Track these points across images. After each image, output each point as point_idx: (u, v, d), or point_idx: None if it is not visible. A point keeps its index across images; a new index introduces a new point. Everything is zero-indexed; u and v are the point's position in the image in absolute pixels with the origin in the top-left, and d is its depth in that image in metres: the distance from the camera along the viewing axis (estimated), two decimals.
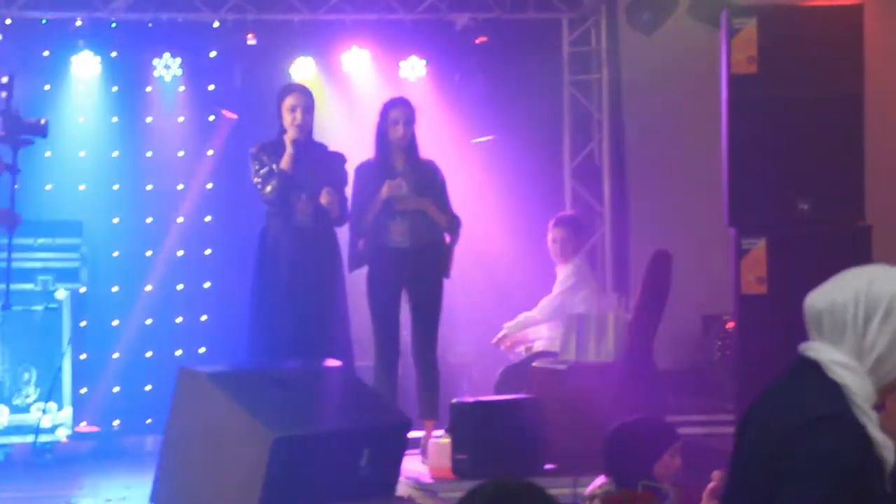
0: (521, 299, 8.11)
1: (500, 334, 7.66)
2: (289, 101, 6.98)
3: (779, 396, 2.96)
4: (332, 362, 6.37)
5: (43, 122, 6.60)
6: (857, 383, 2.85)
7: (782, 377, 2.99)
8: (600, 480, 4.99)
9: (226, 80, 9.03)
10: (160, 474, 5.79)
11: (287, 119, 6.98)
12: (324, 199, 6.91)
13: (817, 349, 2.93)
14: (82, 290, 8.43)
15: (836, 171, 6.43)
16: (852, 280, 2.94)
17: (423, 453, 7.10)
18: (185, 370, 5.82)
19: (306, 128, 7.01)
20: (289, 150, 6.90)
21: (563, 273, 7.58)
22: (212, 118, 9.30)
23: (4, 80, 6.43)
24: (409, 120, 7.24)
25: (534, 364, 7.14)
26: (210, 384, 5.66)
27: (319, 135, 7.99)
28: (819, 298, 2.96)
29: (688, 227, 8.70)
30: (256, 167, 7.01)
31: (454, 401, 6.79)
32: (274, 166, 6.95)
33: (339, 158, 7.20)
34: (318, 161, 7.03)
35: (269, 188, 6.90)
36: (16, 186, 6.59)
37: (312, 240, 6.95)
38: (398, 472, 6.21)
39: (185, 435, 5.75)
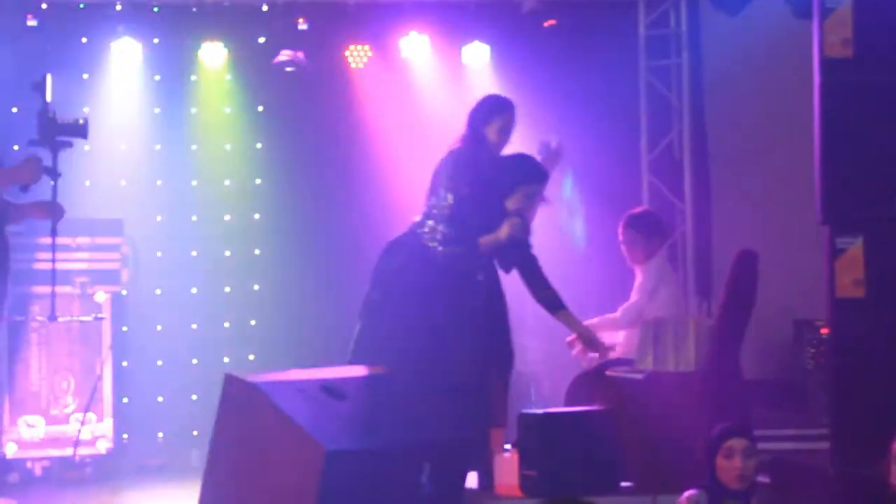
0: (595, 303, 8.06)
1: (574, 335, 7.59)
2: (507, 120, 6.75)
3: None
4: (385, 369, 6.36)
5: (82, 122, 6.66)
6: None
7: None
8: (690, 493, 5.10)
9: (277, 67, 9.04)
10: (205, 490, 5.82)
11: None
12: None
13: None
14: (123, 293, 8.50)
15: None
16: None
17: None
18: (231, 378, 5.84)
19: None
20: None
21: (641, 275, 7.53)
22: (261, 108, 9.35)
23: (46, 79, 6.54)
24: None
25: (608, 373, 7.10)
26: (258, 393, 5.67)
27: (376, 123, 8.03)
28: None
29: (777, 225, 8.62)
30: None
31: (522, 412, 6.77)
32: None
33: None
34: None
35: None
36: (54, 190, 6.63)
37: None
38: (462, 488, 6.19)
39: (231, 448, 5.77)
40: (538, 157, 7.06)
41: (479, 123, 6.74)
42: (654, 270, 7.49)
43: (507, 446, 6.98)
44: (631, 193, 9.11)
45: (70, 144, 6.64)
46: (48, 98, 6.55)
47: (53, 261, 6.88)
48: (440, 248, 6.58)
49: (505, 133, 6.77)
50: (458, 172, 6.63)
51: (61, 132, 6.55)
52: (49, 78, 6.54)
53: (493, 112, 6.75)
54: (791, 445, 7.33)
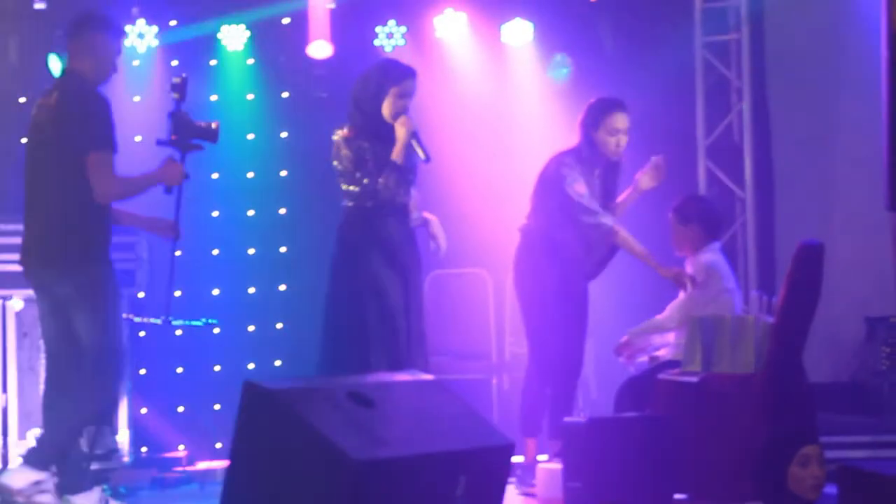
0: (647, 302, 8.06)
1: (622, 340, 7.62)
2: (407, 87, 7.00)
3: None
4: (423, 375, 6.39)
5: (214, 126, 6.82)
6: None
7: None
8: None
9: (300, 51, 9.09)
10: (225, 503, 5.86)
11: (399, 106, 6.98)
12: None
13: None
14: (140, 295, 8.56)
15: None
16: None
17: (522, 481, 7.16)
18: (251, 385, 5.87)
19: None
20: (404, 140, 6.92)
21: (690, 268, 7.49)
22: (285, 95, 9.39)
23: (177, 80, 6.66)
24: None
25: (659, 376, 7.10)
26: (280, 401, 5.70)
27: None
28: None
29: (846, 214, 8.61)
30: (356, 155, 6.98)
31: (566, 419, 6.79)
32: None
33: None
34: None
35: (382, 181, 6.91)
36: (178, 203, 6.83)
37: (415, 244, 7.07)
38: (500, 502, 6.21)
39: (252, 459, 5.80)
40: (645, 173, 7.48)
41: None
42: (705, 262, 7.46)
43: (543, 457, 7.01)
44: (687, 180, 9.09)
45: (201, 147, 6.80)
46: (184, 99, 6.69)
47: (172, 272, 7.18)
48: (349, 204, 6.93)
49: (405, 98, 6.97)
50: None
51: (194, 134, 6.71)
52: (182, 79, 6.68)
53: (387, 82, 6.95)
54: (862, 453, 7.32)
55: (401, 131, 6.85)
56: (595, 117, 7.34)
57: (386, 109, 6.90)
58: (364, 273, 6.90)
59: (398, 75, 6.98)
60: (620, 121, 7.34)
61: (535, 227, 7.38)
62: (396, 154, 6.87)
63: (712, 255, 7.49)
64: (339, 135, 6.95)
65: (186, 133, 6.72)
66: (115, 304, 6.51)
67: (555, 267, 7.30)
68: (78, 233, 6.42)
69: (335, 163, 6.96)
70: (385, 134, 6.90)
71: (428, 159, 6.92)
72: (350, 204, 6.97)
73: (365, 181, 6.88)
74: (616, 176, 7.49)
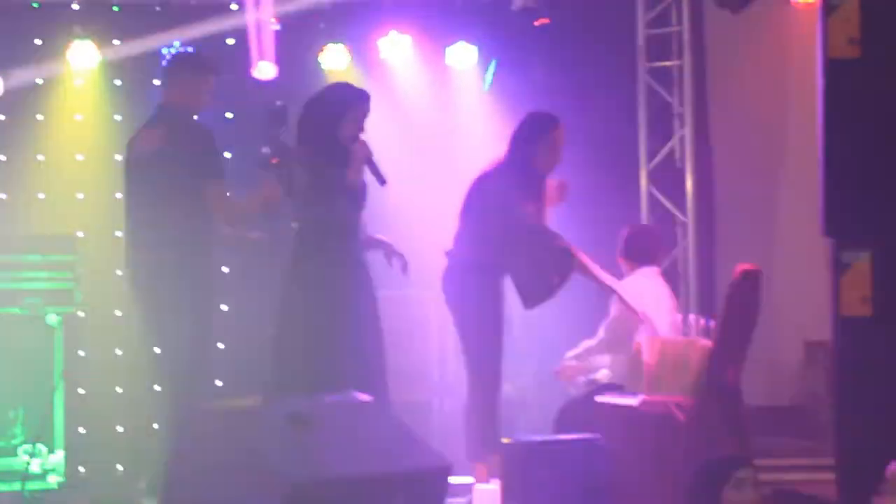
0: (590, 323, 8.09)
1: (560, 366, 7.65)
2: (364, 110, 7.06)
3: None
4: (360, 395, 6.40)
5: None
6: None
7: None
8: None
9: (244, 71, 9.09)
10: None
11: (355, 129, 7.02)
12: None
13: None
14: (81, 314, 8.51)
15: None
16: None
17: None
18: (187, 406, 5.88)
19: None
20: (360, 163, 6.99)
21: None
22: (230, 115, 9.39)
23: (276, 106, 7.00)
24: None
25: (597, 399, 7.14)
26: (215, 421, 5.71)
27: None
28: None
29: (787, 240, 8.68)
30: (313, 175, 6.98)
31: (505, 440, 6.80)
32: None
33: None
34: None
35: (338, 202, 6.95)
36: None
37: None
38: None
39: (187, 480, 5.79)
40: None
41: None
42: (634, 285, 7.49)
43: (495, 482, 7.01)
44: (629, 205, 9.14)
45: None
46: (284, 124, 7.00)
47: None
48: (300, 225, 6.98)
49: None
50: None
51: (293, 159, 6.93)
52: (282, 105, 7.04)
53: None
54: (800, 476, 7.37)
55: (358, 154, 6.88)
56: (533, 132, 7.32)
57: (343, 132, 6.93)
58: (319, 293, 6.89)
59: (355, 98, 7.01)
60: (561, 137, 7.33)
61: (466, 253, 7.34)
62: (353, 176, 6.88)
63: (647, 276, 7.52)
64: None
65: (287, 158, 6.92)
66: None
67: (482, 290, 7.28)
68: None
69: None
70: (339, 156, 6.92)
71: (383, 182, 6.95)
72: (301, 225, 6.97)
73: (318, 202, 6.88)
74: (542, 192, 7.44)
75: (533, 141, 7.30)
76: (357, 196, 6.96)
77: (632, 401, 6.98)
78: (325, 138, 6.91)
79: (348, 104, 6.98)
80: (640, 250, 7.63)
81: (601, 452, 6.76)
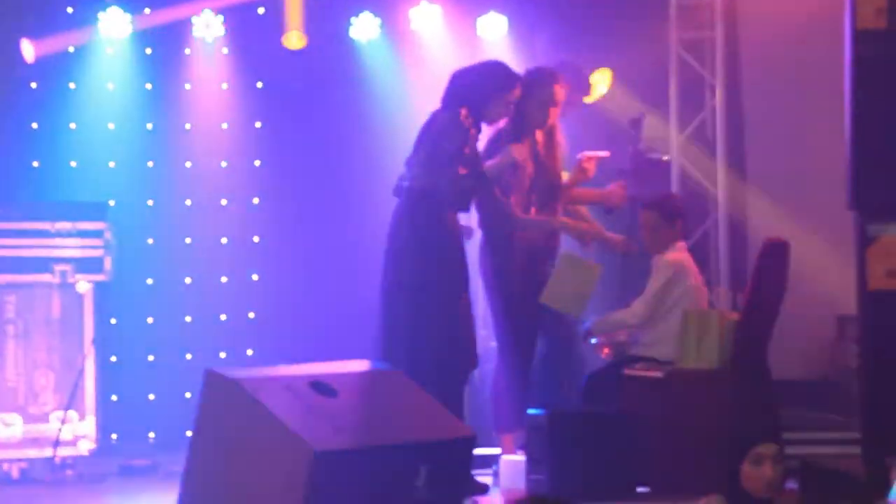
0: (615, 295, 8.10)
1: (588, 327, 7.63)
2: (513, 96, 7.08)
3: None
4: (386, 366, 6.44)
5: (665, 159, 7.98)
6: None
7: None
8: (708, 498, 5.16)
9: (275, 41, 9.11)
10: (185, 492, 5.90)
11: (498, 114, 7.11)
12: None
13: None
14: (103, 279, 8.53)
15: None
16: None
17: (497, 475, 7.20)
18: (212, 374, 5.93)
19: None
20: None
21: (657, 266, 7.48)
22: (260, 85, 9.43)
23: (636, 117, 7.46)
24: None
25: (625, 371, 7.16)
26: (241, 390, 5.75)
27: (383, 102, 8.05)
28: None
29: (819, 212, 8.62)
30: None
31: (529, 412, 6.84)
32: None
33: None
34: None
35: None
36: None
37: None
38: (462, 493, 6.26)
39: (212, 448, 5.85)
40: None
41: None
42: (671, 260, 7.46)
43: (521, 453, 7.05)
44: (659, 177, 9.11)
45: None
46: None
47: None
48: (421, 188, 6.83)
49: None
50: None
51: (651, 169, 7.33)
52: (640, 116, 7.67)
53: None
54: (825, 450, 7.37)
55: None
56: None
57: (490, 113, 7.00)
58: (448, 261, 6.90)
59: (510, 83, 7.05)
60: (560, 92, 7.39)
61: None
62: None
63: (679, 251, 7.47)
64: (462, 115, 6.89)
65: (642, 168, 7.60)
66: None
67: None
68: None
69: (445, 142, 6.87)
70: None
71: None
72: (422, 189, 6.88)
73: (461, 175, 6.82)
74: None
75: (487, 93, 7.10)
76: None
77: (658, 374, 7.00)
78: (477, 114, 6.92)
79: (504, 87, 7.01)
80: (680, 222, 7.63)
81: (626, 424, 6.80)
